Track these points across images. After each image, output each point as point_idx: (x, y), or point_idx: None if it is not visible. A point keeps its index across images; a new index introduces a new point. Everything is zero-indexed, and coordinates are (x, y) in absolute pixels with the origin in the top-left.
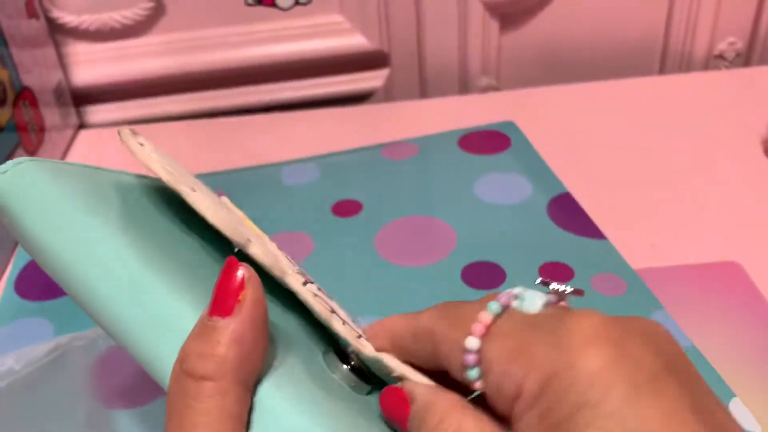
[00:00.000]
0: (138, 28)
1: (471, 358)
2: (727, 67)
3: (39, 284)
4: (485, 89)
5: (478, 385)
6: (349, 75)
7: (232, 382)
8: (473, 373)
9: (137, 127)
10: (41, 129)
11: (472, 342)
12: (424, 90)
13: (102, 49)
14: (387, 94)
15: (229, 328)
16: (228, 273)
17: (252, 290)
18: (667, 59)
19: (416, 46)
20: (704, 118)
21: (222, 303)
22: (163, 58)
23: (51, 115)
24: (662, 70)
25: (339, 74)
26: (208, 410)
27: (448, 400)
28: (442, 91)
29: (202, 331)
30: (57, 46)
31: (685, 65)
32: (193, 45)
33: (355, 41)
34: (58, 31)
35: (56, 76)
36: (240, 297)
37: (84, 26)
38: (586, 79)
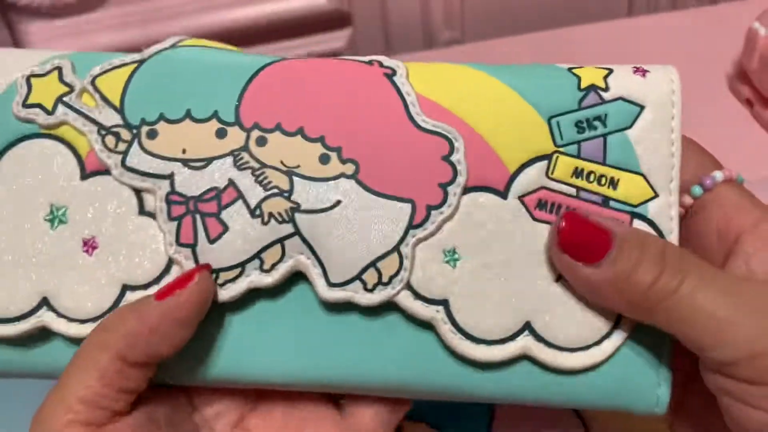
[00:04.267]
0: (93, 2)
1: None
2: (694, 6)
3: None
4: (449, 42)
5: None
6: (311, 37)
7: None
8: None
9: None
10: None
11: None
12: (389, 47)
13: (58, 26)
14: (351, 54)
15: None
16: (187, 274)
17: (188, 293)
18: (634, 1)
19: (378, 2)
20: (672, 57)
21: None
22: (122, 31)
23: None
24: (630, 12)
25: (300, 37)
26: (82, 360)
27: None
28: (407, 47)
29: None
30: (11, 26)
31: (653, 6)
32: (150, 16)
33: (313, 1)
34: (10, 10)
35: None
36: (175, 293)
37: (36, 3)
38: (552, 26)
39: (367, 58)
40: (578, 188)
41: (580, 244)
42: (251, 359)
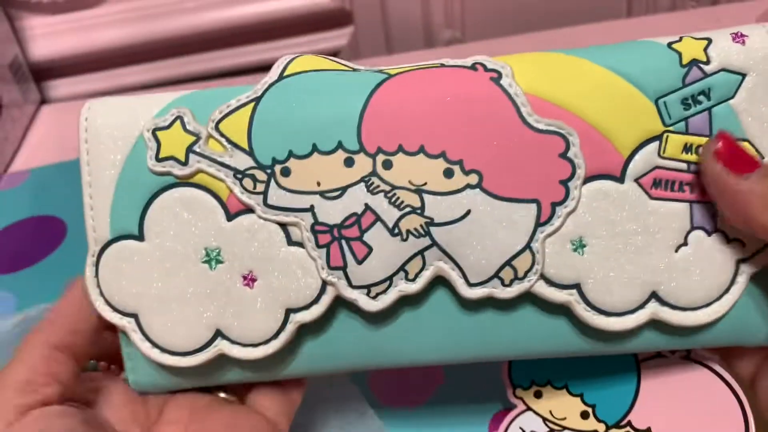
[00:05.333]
0: None
1: None
2: (693, 7)
3: (1, 257)
4: (449, 42)
5: None
6: (313, 35)
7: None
8: None
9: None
10: None
11: None
12: (390, 46)
13: (59, 21)
14: (353, 52)
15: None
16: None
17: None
18: (633, 1)
19: (379, 1)
20: None
21: None
22: (123, 28)
23: (8, 92)
24: (630, 13)
25: (302, 35)
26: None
27: None
28: (408, 46)
29: None
30: (11, 21)
31: (653, 6)
32: (151, 12)
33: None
34: (10, 5)
35: (12, 51)
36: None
37: None
38: (552, 26)
39: (469, 62)
40: (689, 162)
41: (734, 155)
42: (395, 352)
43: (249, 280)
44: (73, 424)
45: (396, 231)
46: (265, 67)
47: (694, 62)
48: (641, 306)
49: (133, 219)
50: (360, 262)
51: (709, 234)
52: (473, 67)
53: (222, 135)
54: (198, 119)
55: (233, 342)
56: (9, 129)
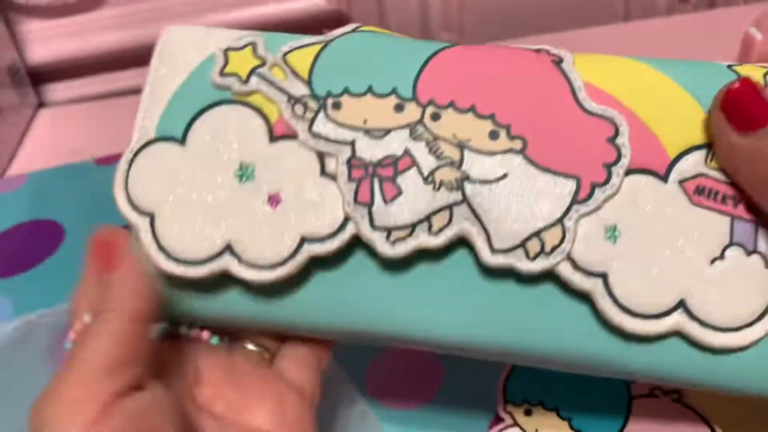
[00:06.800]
0: (92, 2)
1: None
2: (690, 12)
3: None
4: None
5: None
6: None
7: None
8: None
9: (99, 103)
10: None
11: None
12: None
13: (57, 25)
14: None
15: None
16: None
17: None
18: (631, 5)
19: (376, 4)
20: None
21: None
22: (121, 31)
23: (6, 96)
24: (627, 17)
25: None
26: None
27: None
28: None
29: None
30: (9, 24)
31: (650, 11)
32: (149, 16)
33: (312, 2)
34: (8, 9)
35: (10, 55)
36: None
37: (34, 1)
38: (549, 30)
39: (534, 47)
40: None
41: (741, 108)
42: (405, 311)
43: (274, 201)
44: (169, 412)
45: (430, 180)
46: None
47: None
48: (667, 313)
49: (181, 124)
50: (387, 203)
51: (748, 254)
52: (537, 50)
53: (287, 64)
54: (270, 50)
55: (240, 260)
56: (6, 133)
